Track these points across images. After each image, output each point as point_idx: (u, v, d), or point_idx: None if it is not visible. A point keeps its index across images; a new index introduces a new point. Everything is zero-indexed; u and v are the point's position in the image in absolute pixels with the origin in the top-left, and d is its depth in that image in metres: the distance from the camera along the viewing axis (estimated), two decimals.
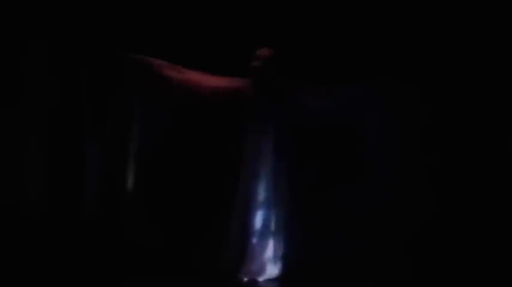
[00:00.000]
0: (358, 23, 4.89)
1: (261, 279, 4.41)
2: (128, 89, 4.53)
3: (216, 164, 4.52)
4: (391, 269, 4.48)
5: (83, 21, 4.72)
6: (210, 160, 4.52)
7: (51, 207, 4.69)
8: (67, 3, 4.74)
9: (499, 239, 4.65)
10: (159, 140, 4.52)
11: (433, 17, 4.85)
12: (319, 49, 4.84)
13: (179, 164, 4.52)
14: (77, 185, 4.62)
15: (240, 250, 4.36)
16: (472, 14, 4.81)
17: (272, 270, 4.42)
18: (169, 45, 4.68)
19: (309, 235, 4.45)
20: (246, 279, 4.38)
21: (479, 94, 4.76)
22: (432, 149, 4.73)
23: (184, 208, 4.49)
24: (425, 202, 4.66)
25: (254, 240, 4.40)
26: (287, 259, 4.41)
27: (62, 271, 4.41)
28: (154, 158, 4.53)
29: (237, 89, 4.54)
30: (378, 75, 4.72)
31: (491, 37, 4.82)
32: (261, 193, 4.43)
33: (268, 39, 4.61)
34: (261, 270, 4.40)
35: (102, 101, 4.55)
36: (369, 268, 4.45)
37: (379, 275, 4.44)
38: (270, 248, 4.42)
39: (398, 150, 4.64)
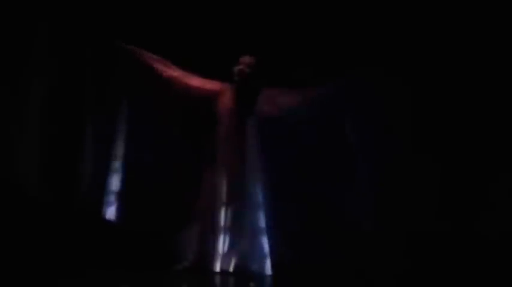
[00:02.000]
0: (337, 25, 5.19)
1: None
2: (121, 76, 4.77)
3: (190, 161, 4.74)
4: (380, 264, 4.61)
5: (83, 10, 4.99)
6: (185, 155, 4.74)
7: (49, 185, 4.89)
8: None
9: (493, 237, 4.80)
10: (145, 128, 4.76)
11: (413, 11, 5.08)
12: (297, 55, 5.10)
13: (161, 151, 4.76)
14: (75, 164, 4.83)
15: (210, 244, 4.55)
16: (456, 6, 5.03)
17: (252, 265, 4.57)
18: (162, 43, 4.91)
19: (294, 234, 4.60)
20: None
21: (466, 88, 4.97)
22: (420, 144, 4.93)
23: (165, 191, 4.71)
24: (414, 197, 4.85)
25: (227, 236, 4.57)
26: (274, 255, 4.54)
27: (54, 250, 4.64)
28: (140, 145, 4.76)
29: (215, 91, 4.77)
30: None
31: (477, 30, 5.02)
32: (239, 192, 4.61)
33: (251, 47, 4.84)
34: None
35: (99, 85, 4.82)
36: (356, 265, 4.59)
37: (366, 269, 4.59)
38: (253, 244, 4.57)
39: (383, 145, 4.80)
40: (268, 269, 4.51)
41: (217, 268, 4.55)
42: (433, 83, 5.01)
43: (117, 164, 4.74)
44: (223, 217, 4.59)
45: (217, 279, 4.42)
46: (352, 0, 5.21)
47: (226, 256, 4.55)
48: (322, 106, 4.82)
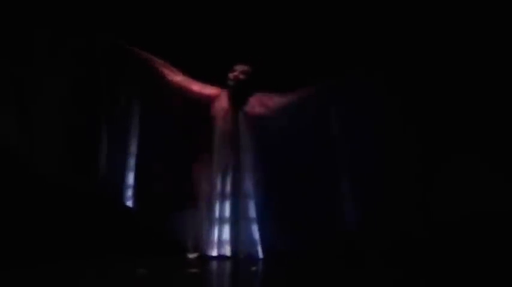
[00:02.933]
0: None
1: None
2: (131, 77, 5.36)
3: (189, 154, 5.35)
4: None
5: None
6: (186, 149, 5.35)
7: (69, 173, 5.36)
8: None
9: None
10: (152, 124, 5.37)
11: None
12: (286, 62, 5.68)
13: (166, 145, 5.35)
14: (93, 155, 5.32)
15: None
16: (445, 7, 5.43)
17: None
18: (168, 52, 5.46)
19: (282, 224, 5.18)
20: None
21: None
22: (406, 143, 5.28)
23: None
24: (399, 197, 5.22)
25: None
26: (264, 241, 5.16)
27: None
28: (149, 139, 5.36)
29: (212, 94, 5.39)
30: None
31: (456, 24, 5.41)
32: (233, 183, 5.23)
33: (244, 55, 5.43)
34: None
35: (112, 84, 5.36)
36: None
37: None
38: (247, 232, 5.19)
39: (369, 143, 5.25)
40: (260, 253, 5.13)
41: (214, 253, 5.16)
42: (421, 83, 5.36)
43: (130, 156, 5.32)
44: (218, 206, 5.18)
45: (223, 264, 4.98)
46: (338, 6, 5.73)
47: (223, 242, 5.16)
48: (308, 106, 5.37)
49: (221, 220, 5.20)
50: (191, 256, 5.09)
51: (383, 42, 5.52)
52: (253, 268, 4.83)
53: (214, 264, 4.97)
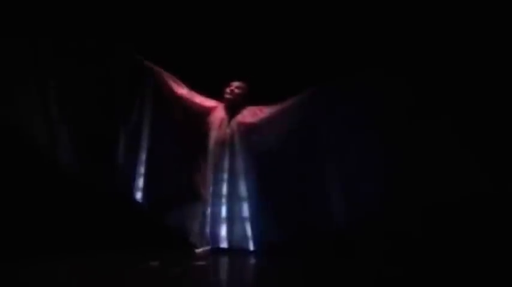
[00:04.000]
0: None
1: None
2: (144, 87, 6.13)
3: (190, 156, 6.14)
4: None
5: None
6: (187, 152, 6.14)
7: (87, 170, 5.92)
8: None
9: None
10: (161, 129, 6.12)
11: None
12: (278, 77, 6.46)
13: (172, 148, 6.12)
14: (109, 154, 5.97)
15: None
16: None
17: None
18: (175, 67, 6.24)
19: (273, 222, 5.84)
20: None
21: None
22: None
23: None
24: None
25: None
26: (255, 237, 5.90)
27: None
28: (159, 142, 6.11)
29: (211, 106, 6.23)
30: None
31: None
32: (226, 186, 5.99)
33: (239, 72, 6.27)
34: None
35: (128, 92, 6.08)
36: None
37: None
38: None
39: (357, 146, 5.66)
40: (251, 246, 5.91)
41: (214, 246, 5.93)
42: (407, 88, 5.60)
43: (143, 156, 6.05)
44: (215, 206, 5.93)
45: (222, 257, 5.72)
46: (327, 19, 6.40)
47: (221, 238, 5.96)
48: (295, 114, 5.96)
49: (219, 218, 5.99)
50: (198, 250, 5.87)
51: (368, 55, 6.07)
52: (251, 261, 5.66)
53: (216, 257, 5.74)
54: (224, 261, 5.71)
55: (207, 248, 5.92)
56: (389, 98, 5.64)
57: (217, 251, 5.91)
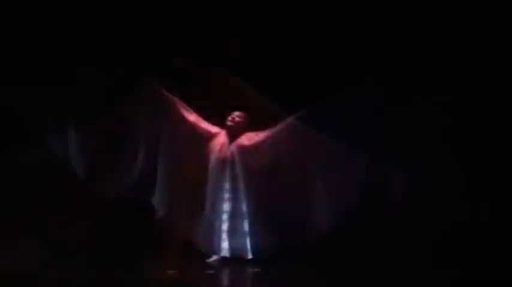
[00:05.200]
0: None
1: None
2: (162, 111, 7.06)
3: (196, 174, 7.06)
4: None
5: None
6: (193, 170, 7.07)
7: (104, 178, 6.79)
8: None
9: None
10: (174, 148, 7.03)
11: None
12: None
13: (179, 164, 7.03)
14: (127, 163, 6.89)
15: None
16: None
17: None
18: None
19: (270, 236, 6.68)
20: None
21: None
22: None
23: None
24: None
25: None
26: (253, 249, 6.75)
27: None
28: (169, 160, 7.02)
29: (215, 132, 7.15)
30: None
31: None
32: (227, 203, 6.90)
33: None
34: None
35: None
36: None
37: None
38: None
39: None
40: (249, 255, 6.78)
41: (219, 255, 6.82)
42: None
43: (158, 167, 6.93)
44: (218, 220, 6.83)
45: (227, 265, 6.58)
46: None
47: (224, 248, 6.84)
48: (284, 138, 6.82)
49: (221, 232, 6.89)
50: (210, 259, 6.77)
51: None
52: (255, 269, 6.49)
53: (223, 265, 6.64)
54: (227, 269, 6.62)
55: (218, 257, 6.81)
56: (376, 118, 6.34)
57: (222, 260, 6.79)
